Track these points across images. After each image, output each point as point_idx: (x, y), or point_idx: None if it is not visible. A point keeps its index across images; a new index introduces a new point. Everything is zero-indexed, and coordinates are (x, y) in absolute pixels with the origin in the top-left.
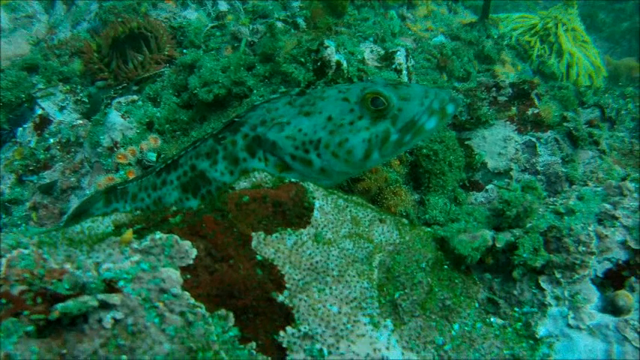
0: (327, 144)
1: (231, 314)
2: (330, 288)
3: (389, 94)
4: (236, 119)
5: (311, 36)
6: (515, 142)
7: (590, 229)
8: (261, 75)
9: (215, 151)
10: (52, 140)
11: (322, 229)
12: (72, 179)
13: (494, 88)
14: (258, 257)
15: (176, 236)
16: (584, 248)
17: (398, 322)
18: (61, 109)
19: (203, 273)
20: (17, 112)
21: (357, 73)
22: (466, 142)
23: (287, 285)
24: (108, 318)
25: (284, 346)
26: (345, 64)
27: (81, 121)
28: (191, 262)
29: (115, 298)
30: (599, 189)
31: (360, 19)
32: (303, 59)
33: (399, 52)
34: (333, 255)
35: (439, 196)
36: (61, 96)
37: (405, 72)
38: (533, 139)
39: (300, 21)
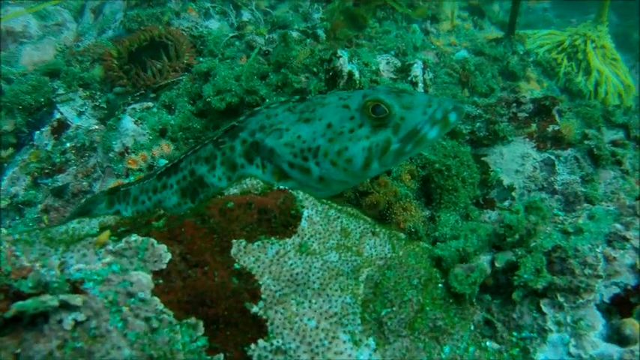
0: (325, 152)
1: (200, 323)
2: (310, 301)
3: (391, 102)
4: (236, 124)
5: (325, 46)
6: (534, 159)
7: (597, 250)
8: (273, 84)
9: (214, 156)
10: (68, 144)
11: (308, 239)
12: (84, 183)
13: (514, 104)
14: (236, 265)
15: (152, 239)
16: (590, 271)
17: (382, 341)
18: (80, 114)
19: (176, 278)
20: (36, 116)
21: (369, 84)
22: (482, 159)
23: (262, 296)
24: (69, 319)
25: (253, 359)
26: (357, 75)
27: (97, 127)
28: (164, 266)
29: (77, 300)
30: (611, 208)
31: (382, 32)
32: (315, 69)
33: (415, 65)
34: (315, 267)
35: (450, 213)
36: (80, 101)
37: (421, 85)
38: (552, 157)
39: (320, 32)
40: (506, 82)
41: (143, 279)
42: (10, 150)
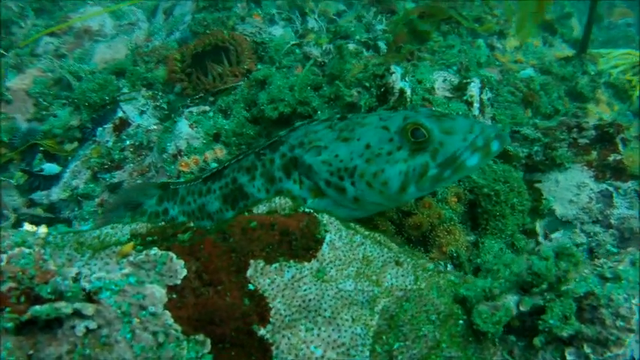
0: (362, 173)
1: (208, 341)
2: (319, 329)
3: (431, 127)
4: (278, 138)
5: (381, 60)
6: (590, 189)
7: (634, 301)
8: (326, 96)
9: (254, 166)
10: (128, 142)
11: (327, 264)
12: (138, 181)
13: (575, 129)
14: (251, 286)
15: (172, 254)
16: (622, 323)
17: None
18: (141, 113)
19: (189, 295)
20: (100, 113)
21: (420, 102)
22: (536, 185)
23: (271, 319)
24: (81, 326)
25: None
26: (408, 92)
27: (156, 127)
28: (179, 282)
29: (89, 309)
30: None
31: (445, 46)
32: (367, 84)
33: (472, 84)
34: (328, 295)
35: (496, 240)
36: (143, 101)
37: (476, 104)
38: (611, 189)
39: (382, 44)
40: (574, 103)
41: (157, 293)
42: (75, 144)
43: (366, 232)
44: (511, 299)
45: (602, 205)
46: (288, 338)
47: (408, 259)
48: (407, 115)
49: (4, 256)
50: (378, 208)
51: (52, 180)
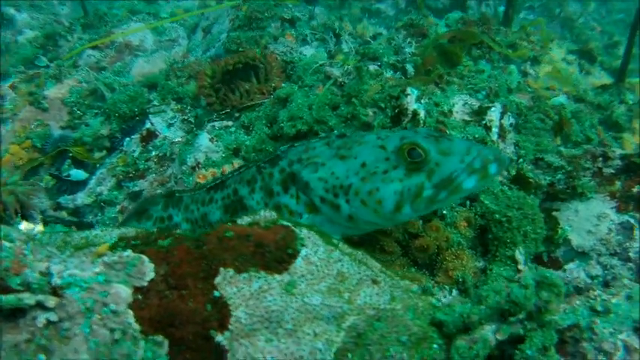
0: (357, 191)
1: (166, 342)
2: (279, 340)
3: (428, 147)
4: (279, 153)
5: (397, 82)
6: (611, 221)
7: (619, 337)
8: (343, 116)
9: (254, 180)
10: (153, 153)
11: (298, 278)
12: (158, 191)
13: (600, 158)
14: (216, 293)
15: (145, 257)
16: (604, 359)
17: None
18: (169, 125)
19: (154, 297)
20: (130, 124)
21: (434, 125)
22: (554, 213)
23: (230, 327)
24: (42, 317)
25: None
26: (422, 114)
27: (181, 139)
28: (145, 284)
29: (51, 301)
30: None
31: (475, 71)
32: (383, 104)
33: (493, 108)
34: (292, 307)
35: (504, 267)
36: (171, 114)
37: (495, 129)
38: (632, 221)
39: (409, 67)
40: (608, 132)
41: (122, 292)
42: (104, 152)
43: (348, 250)
44: (489, 328)
45: (622, 237)
46: (246, 347)
47: (387, 279)
48: (404, 134)
49: None
50: (373, 227)
51: (79, 185)
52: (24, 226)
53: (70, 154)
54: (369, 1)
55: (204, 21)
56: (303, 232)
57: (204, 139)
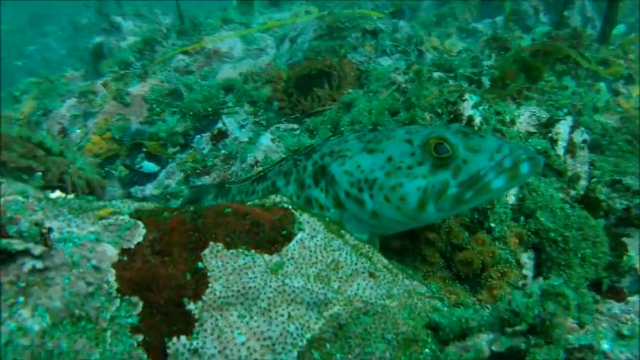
0: (381, 186)
1: (141, 304)
2: (252, 318)
3: (455, 142)
4: (314, 146)
5: (456, 87)
6: None
7: None
8: (401, 121)
9: (290, 172)
10: (222, 151)
11: (287, 260)
12: None
13: None
14: (200, 264)
15: (140, 223)
16: None
17: None
18: (241, 127)
19: (138, 260)
20: (203, 122)
21: (491, 132)
22: (622, 239)
23: (204, 297)
24: (28, 264)
25: (169, 352)
26: (477, 120)
27: (248, 140)
28: (132, 246)
29: (37, 250)
30: None
31: (558, 87)
32: (440, 110)
33: (562, 121)
34: (270, 286)
35: None
36: (244, 116)
37: (562, 143)
38: None
39: (485, 80)
40: None
41: (109, 251)
42: (177, 148)
43: (354, 242)
44: (485, 338)
45: None
46: (216, 319)
47: (388, 275)
48: (433, 130)
49: (2, 199)
50: (399, 227)
51: (150, 177)
52: (57, 194)
53: (145, 148)
54: (466, 21)
55: (291, 32)
56: (304, 217)
57: (265, 139)
